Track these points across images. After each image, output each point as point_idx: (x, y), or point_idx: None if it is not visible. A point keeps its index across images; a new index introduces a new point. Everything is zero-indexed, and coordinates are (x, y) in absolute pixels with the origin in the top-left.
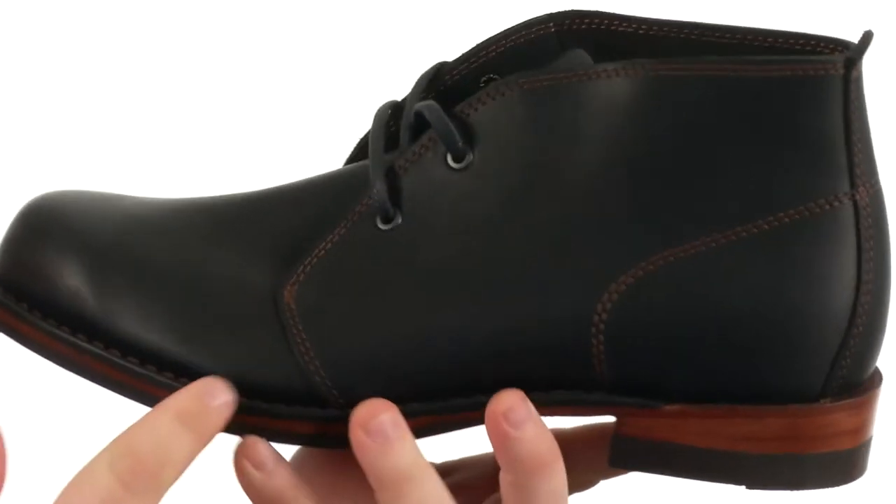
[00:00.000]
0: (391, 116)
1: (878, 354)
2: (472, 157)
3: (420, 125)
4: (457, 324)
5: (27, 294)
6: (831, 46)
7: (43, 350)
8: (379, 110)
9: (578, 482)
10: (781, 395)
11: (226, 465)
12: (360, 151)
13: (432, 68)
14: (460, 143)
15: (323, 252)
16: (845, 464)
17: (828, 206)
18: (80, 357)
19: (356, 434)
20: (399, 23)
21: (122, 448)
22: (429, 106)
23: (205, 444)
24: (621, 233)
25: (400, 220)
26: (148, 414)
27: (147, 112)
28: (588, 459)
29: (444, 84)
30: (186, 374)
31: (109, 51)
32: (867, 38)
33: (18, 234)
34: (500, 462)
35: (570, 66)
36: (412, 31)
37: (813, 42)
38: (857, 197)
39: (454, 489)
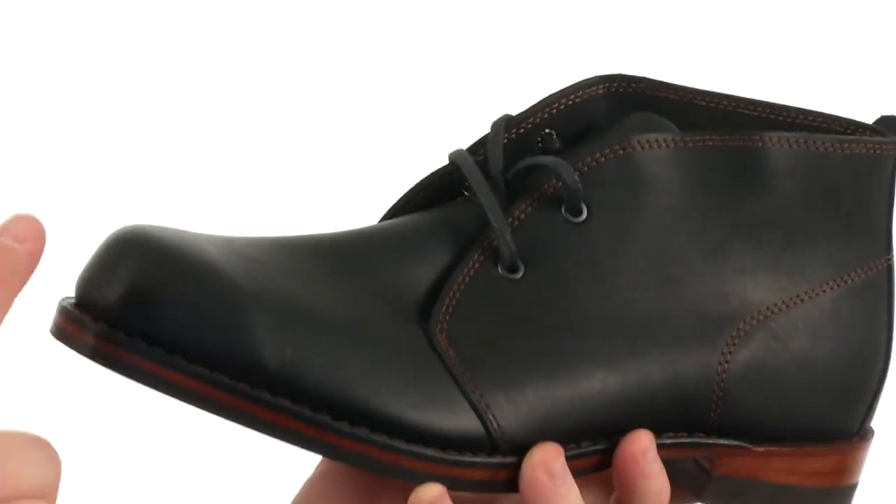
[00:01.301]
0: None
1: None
2: (586, 212)
3: (520, 178)
4: (606, 375)
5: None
6: (858, 129)
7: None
8: (459, 156)
9: None
10: (837, 434)
11: None
12: (407, 205)
13: (502, 119)
14: (582, 195)
15: (456, 296)
16: (850, 495)
17: (878, 268)
18: (270, 414)
19: (539, 476)
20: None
21: None
22: (557, 162)
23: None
24: (731, 289)
25: (523, 271)
26: None
27: (147, 114)
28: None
29: (511, 136)
30: (368, 424)
31: (109, 52)
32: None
33: (146, 271)
34: (625, 498)
35: (648, 127)
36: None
37: (837, 123)
38: (891, 261)
39: None
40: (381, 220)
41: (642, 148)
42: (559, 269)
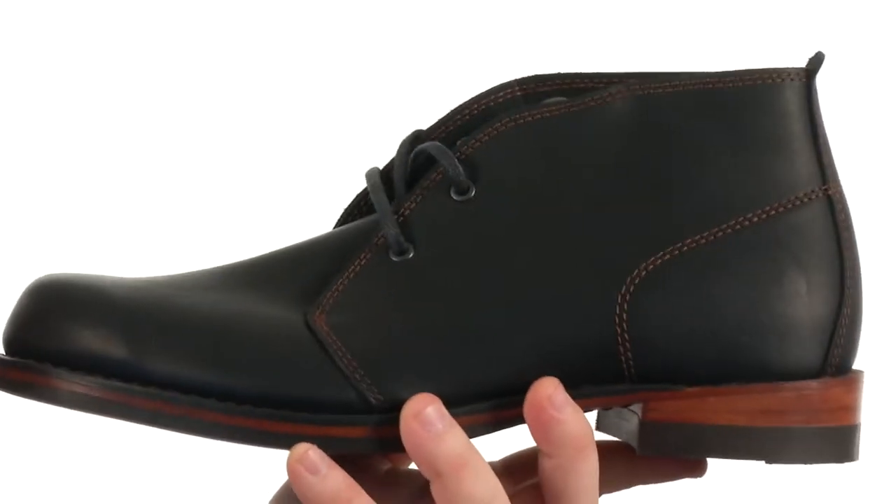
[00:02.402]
0: (381, 178)
1: (858, 345)
2: (474, 189)
3: (415, 174)
4: (487, 335)
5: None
6: (786, 77)
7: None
8: (369, 173)
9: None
10: (789, 373)
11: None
12: (349, 216)
13: (411, 135)
14: (463, 177)
15: (343, 284)
16: (846, 440)
17: (808, 200)
18: (128, 398)
19: (409, 424)
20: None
21: None
22: (434, 145)
23: None
24: (625, 237)
25: (412, 253)
26: None
27: (145, 118)
28: (612, 471)
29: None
30: (235, 398)
31: (109, 53)
32: (820, 56)
33: (38, 305)
34: (543, 447)
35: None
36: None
37: (767, 77)
38: (830, 191)
39: None
40: None
41: (516, 124)
42: (447, 245)
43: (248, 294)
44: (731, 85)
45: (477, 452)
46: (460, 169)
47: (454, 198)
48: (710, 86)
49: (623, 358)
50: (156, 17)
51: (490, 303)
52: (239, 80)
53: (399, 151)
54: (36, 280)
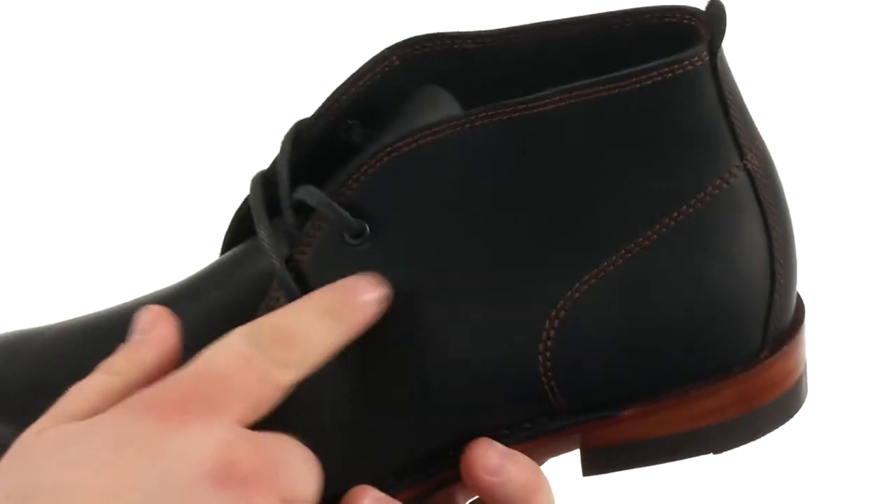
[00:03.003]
0: (264, 187)
1: (795, 295)
2: (367, 229)
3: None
4: (409, 395)
5: None
6: (681, 16)
7: None
8: (252, 187)
9: None
10: (728, 366)
11: None
12: (240, 225)
13: (292, 129)
14: (353, 221)
15: None
16: (791, 399)
17: (725, 185)
18: None
19: None
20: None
21: (263, 324)
22: (310, 193)
23: (351, 336)
24: (535, 274)
25: None
26: (291, 304)
27: (143, 115)
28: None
29: (305, 142)
30: None
31: (109, 53)
32: (720, 13)
33: None
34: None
35: (424, 110)
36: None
37: (665, 14)
38: (749, 165)
39: None
40: (221, 253)
41: (389, 158)
42: None
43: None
44: (627, 88)
45: None
46: (346, 215)
47: (349, 241)
48: (597, 94)
49: (552, 396)
50: (156, 18)
51: (408, 358)
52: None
53: (280, 156)
54: None
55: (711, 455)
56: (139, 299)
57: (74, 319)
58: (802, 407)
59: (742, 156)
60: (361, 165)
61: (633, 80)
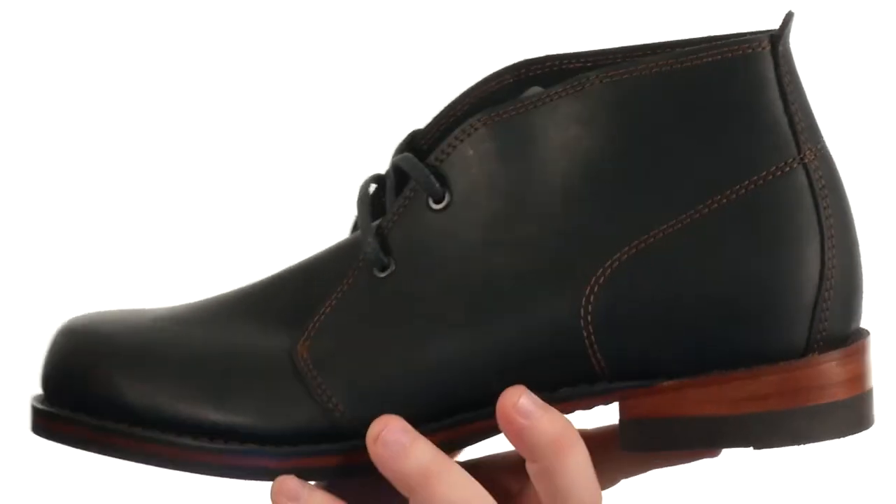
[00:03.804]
0: (377, 188)
1: (857, 308)
2: (450, 196)
3: (400, 184)
4: (461, 347)
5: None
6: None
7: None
8: (362, 185)
9: (600, 480)
10: (770, 355)
11: None
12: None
13: (406, 137)
14: (437, 185)
15: (329, 308)
16: (846, 414)
17: (779, 173)
18: (124, 441)
19: (373, 449)
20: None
21: None
22: (403, 157)
23: None
24: (589, 234)
25: (394, 267)
26: None
27: (147, 115)
28: (608, 458)
29: (418, 151)
30: (222, 436)
31: (109, 52)
32: (788, 17)
33: (63, 350)
34: (522, 453)
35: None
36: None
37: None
38: (806, 160)
39: (482, 483)
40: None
41: (483, 125)
42: (424, 257)
43: (242, 326)
44: (691, 63)
45: (447, 461)
46: (432, 179)
47: (432, 207)
48: (669, 67)
49: (593, 358)
50: (155, 20)
51: (462, 314)
52: (237, 84)
53: (393, 159)
54: (68, 324)
55: (751, 450)
56: (281, 271)
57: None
58: (859, 430)
59: (799, 150)
60: (458, 132)
61: (691, 56)
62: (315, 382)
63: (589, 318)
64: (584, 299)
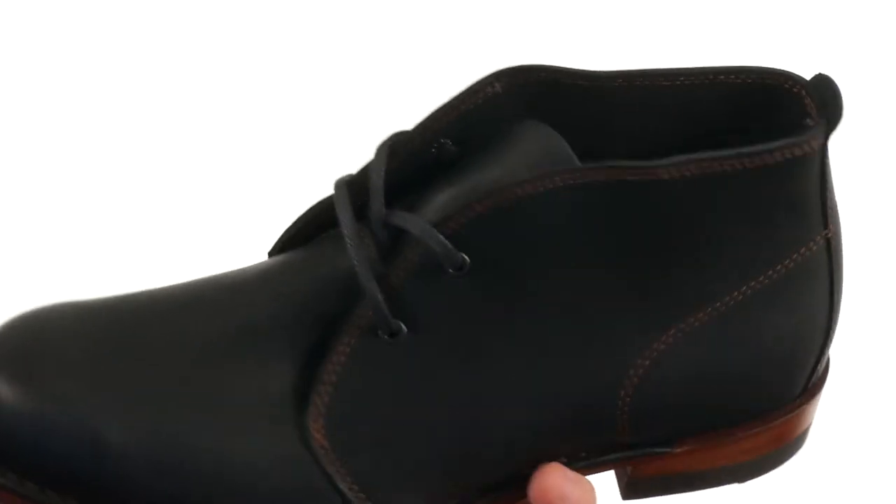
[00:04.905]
0: (353, 192)
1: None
2: (468, 263)
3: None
4: (488, 423)
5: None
6: (788, 84)
7: None
8: (338, 192)
9: None
10: (775, 406)
11: None
12: (306, 226)
13: (390, 138)
14: (458, 255)
15: (332, 378)
16: (800, 442)
17: (808, 252)
18: None
19: None
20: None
21: None
22: (412, 220)
23: None
24: (631, 319)
25: (405, 332)
26: None
27: (145, 114)
28: None
29: (399, 155)
30: None
31: (109, 52)
32: (835, 93)
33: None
34: None
35: (531, 147)
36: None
37: (767, 77)
38: (829, 234)
39: None
40: (270, 253)
41: (495, 204)
42: (444, 323)
43: (214, 387)
44: (745, 166)
45: None
46: (451, 247)
47: (448, 270)
48: (721, 168)
49: (620, 431)
50: (153, 19)
51: (490, 389)
52: (221, 77)
53: (374, 171)
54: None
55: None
56: (211, 277)
57: (125, 296)
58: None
59: (825, 224)
60: (471, 203)
61: (758, 158)
62: (340, 475)
63: (627, 401)
64: (622, 383)
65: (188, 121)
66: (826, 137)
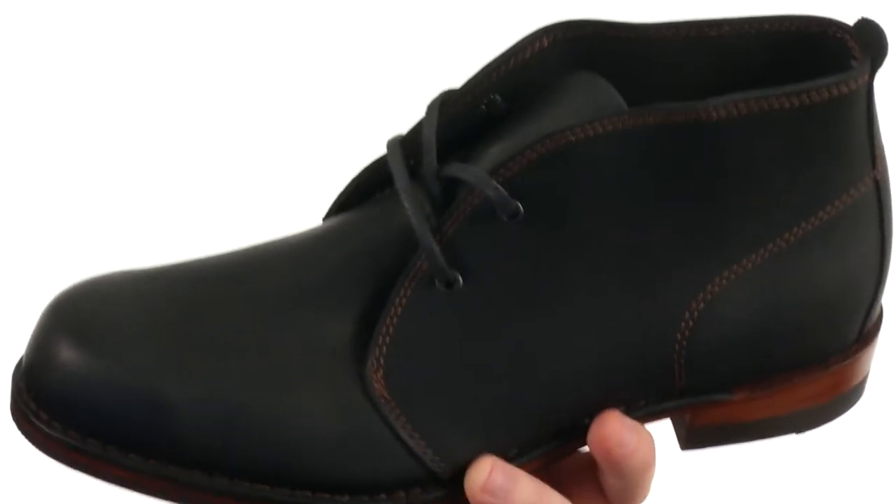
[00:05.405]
0: (406, 151)
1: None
2: (522, 209)
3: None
4: (547, 370)
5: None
6: (832, 30)
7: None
8: (391, 150)
9: None
10: (825, 355)
11: None
12: (357, 189)
13: (439, 97)
14: (512, 202)
15: (391, 330)
16: (859, 391)
17: (857, 192)
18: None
19: (480, 498)
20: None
21: None
22: (467, 170)
23: None
24: (679, 268)
25: (461, 282)
26: None
27: (147, 113)
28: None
29: (450, 112)
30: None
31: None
32: (880, 34)
33: (51, 341)
34: (612, 475)
35: (582, 97)
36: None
37: (811, 25)
38: (877, 174)
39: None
40: (325, 217)
41: (556, 146)
42: (499, 271)
43: (277, 341)
44: (791, 104)
45: (549, 493)
46: (505, 193)
47: (503, 218)
48: (768, 106)
49: (677, 377)
50: (151, 18)
51: (548, 336)
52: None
53: (426, 127)
54: (56, 302)
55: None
56: (269, 243)
57: (180, 264)
58: (854, 404)
59: (874, 165)
60: (524, 149)
61: (805, 96)
62: (402, 424)
63: (683, 345)
64: (680, 326)
65: (168, 119)
66: (871, 76)
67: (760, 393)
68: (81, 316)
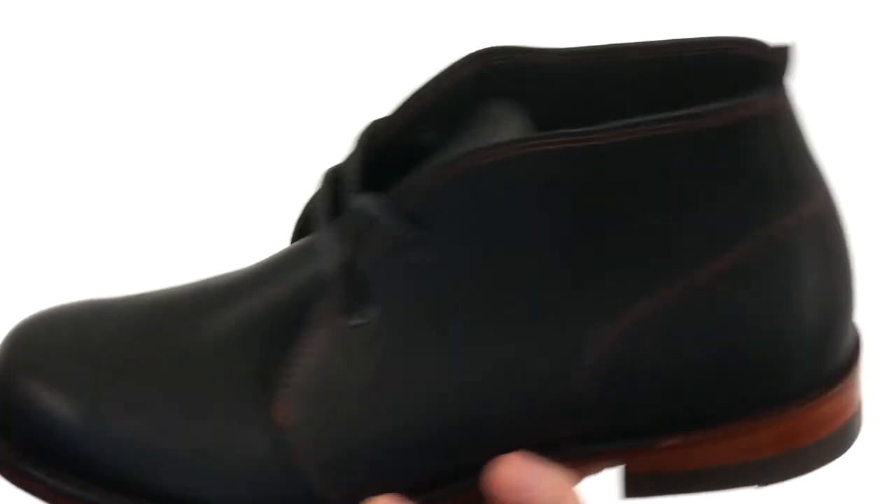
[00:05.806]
0: (333, 184)
1: (848, 332)
2: (429, 239)
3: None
4: (452, 406)
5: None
6: (744, 50)
7: None
8: (322, 183)
9: None
10: (774, 399)
11: None
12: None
13: (369, 127)
14: (413, 231)
15: (301, 357)
16: (841, 438)
17: (790, 223)
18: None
19: None
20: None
21: None
22: (371, 201)
23: None
24: (581, 302)
25: (371, 312)
26: None
27: (144, 114)
28: None
29: (380, 142)
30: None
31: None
32: (786, 57)
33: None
34: None
35: (491, 127)
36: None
37: (725, 45)
38: (805, 212)
39: None
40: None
41: (456, 170)
42: (409, 303)
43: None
44: (683, 130)
45: None
46: (405, 223)
47: (411, 248)
48: (659, 132)
49: (595, 415)
50: (152, 17)
51: (452, 371)
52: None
53: (352, 159)
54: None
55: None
56: (201, 281)
57: (130, 297)
58: (854, 443)
59: (797, 200)
60: (424, 179)
61: (695, 121)
62: (294, 450)
63: (594, 382)
64: (591, 356)
65: (191, 114)
66: (776, 102)
67: (690, 441)
68: (36, 343)
